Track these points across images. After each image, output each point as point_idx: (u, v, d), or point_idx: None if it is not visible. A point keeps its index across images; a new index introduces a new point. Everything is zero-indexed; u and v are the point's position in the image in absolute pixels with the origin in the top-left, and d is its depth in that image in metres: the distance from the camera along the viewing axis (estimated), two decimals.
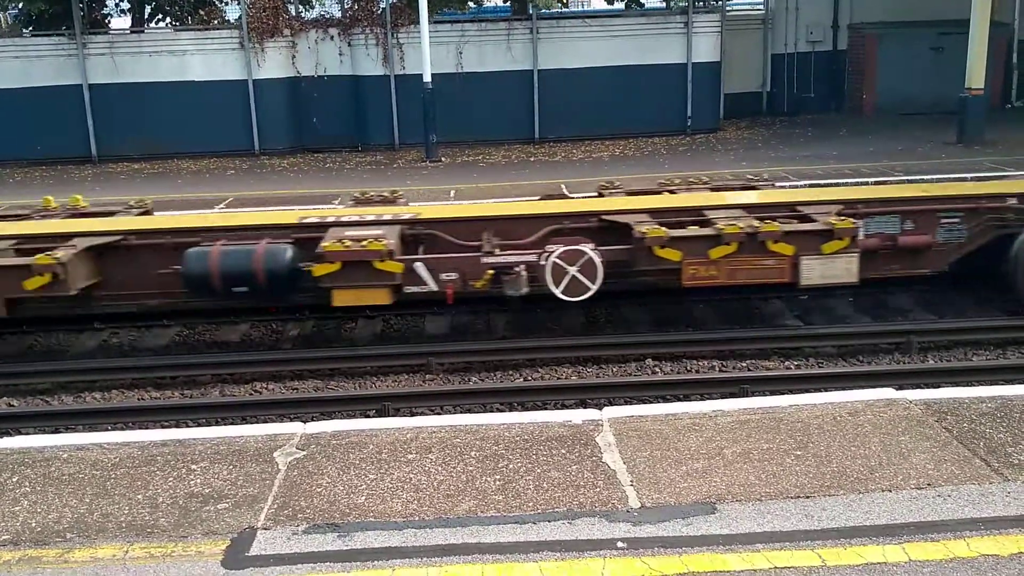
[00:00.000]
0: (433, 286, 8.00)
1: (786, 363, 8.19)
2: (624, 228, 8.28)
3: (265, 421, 6.99)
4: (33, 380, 8.25)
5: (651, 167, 15.26)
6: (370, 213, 8.84)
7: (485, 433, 5.47)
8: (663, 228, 7.96)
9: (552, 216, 8.63)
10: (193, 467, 5.16)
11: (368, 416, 7.29)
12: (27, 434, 6.52)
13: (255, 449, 5.36)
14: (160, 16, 21.33)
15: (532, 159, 17.09)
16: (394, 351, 8.54)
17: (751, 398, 6.26)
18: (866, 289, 9.31)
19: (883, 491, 4.65)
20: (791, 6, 21.20)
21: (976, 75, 15.77)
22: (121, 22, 21.57)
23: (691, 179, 10.03)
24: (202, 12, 20.69)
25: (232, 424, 6.74)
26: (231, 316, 9.52)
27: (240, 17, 18.26)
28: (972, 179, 12.43)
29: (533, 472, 4.97)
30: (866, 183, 11.81)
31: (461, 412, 7.21)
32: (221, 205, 12.95)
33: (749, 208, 8.53)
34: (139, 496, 4.85)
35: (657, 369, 8.16)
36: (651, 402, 7.27)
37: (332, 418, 7.06)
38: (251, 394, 8.00)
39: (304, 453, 5.30)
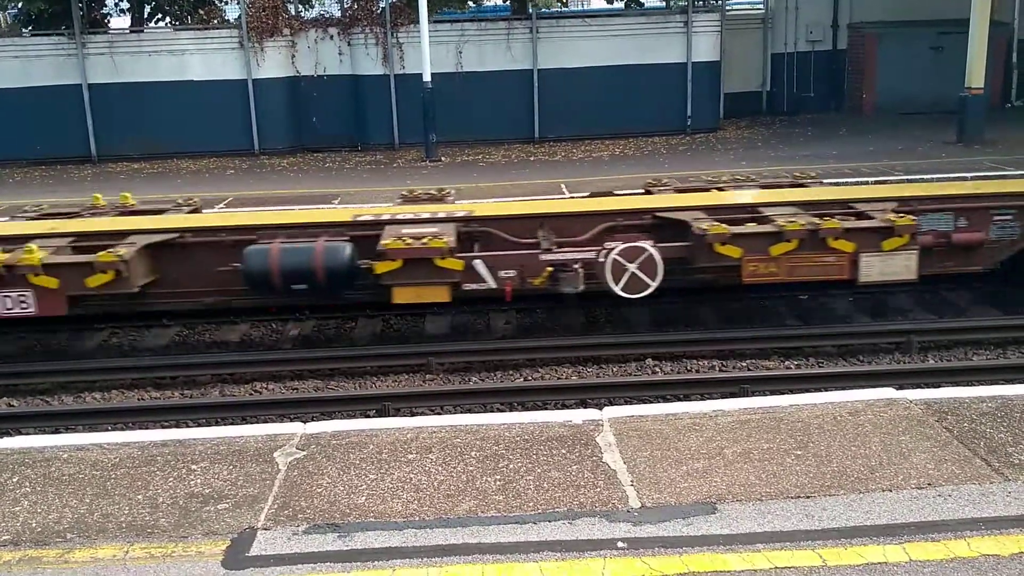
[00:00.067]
0: (492, 283, 8.01)
1: (786, 363, 8.20)
2: (680, 225, 8.30)
3: (265, 421, 7.00)
4: (33, 380, 8.26)
5: (651, 167, 15.25)
6: (423, 211, 8.84)
7: (485, 433, 5.46)
8: (724, 225, 7.95)
9: (606, 213, 8.65)
10: (193, 467, 5.16)
11: (368, 416, 7.30)
12: (27, 434, 6.52)
13: (255, 449, 5.36)
14: (160, 16, 21.32)
15: (532, 159, 17.08)
16: (394, 351, 8.54)
17: (751, 398, 6.26)
18: (866, 289, 9.33)
19: (883, 491, 4.65)
20: (791, 5, 21.19)
21: (976, 74, 15.77)
22: (121, 22, 21.58)
23: (739, 176, 10.05)
24: (202, 12, 20.70)
25: (232, 424, 6.75)
26: (231, 316, 9.51)
27: (240, 17, 18.25)
28: (972, 178, 12.42)
29: (533, 472, 4.97)
30: (866, 183, 11.80)
31: (461, 412, 7.21)
32: (220, 205, 12.93)
33: (803, 205, 8.54)
34: (139, 496, 4.85)
35: (657, 369, 8.16)
36: (651, 402, 7.27)
37: (332, 418, 7.06)
38: (251, 394, 8.00)
39: (304, 453, 5.30)
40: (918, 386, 7.07)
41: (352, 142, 18.71)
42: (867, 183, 11.75)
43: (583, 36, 18.68)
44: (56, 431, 7.03)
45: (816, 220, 7.99)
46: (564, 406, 7.34)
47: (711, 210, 8.50)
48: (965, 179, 12.44)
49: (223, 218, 9.46)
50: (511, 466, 5.05)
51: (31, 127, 17.93)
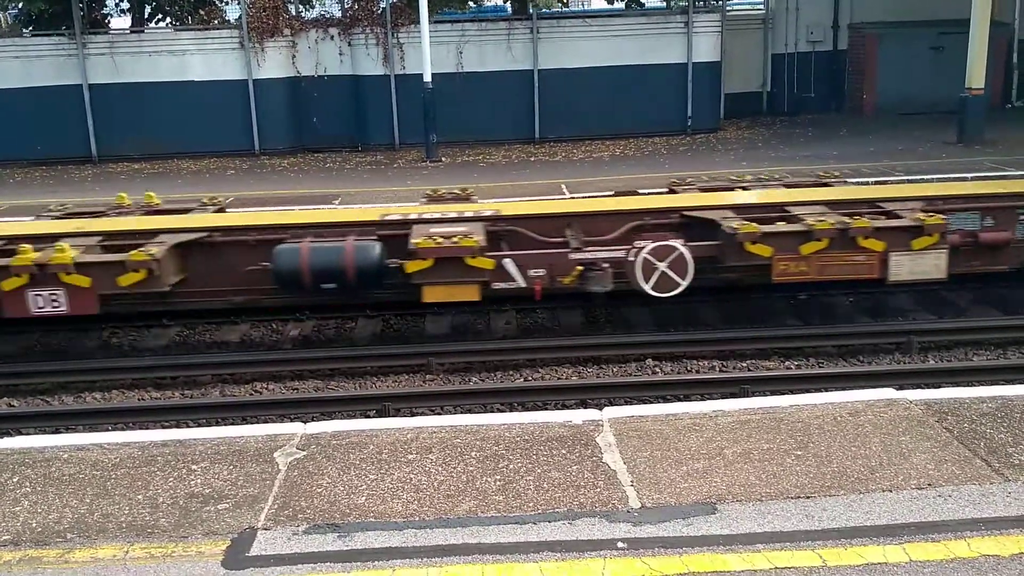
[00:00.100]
0: (521, 282, 8.03)
1: (786, 363, 8.19)
2: (708, 224, 8.31)
3: (265, 421, 7.00)
4: (33, 380, 8.26)
5: (651, 167, 15.26)
6: (449, 210, 8.86)
7: (485, 433, 5.46)
8: (754, 224, 7.96)
9: (634, 212, 8.66)
10: (193, 467, 5.16)
11: (368, 416, 7.30)
12: (28, 434, 6.52)
13: (255, 449, 5.36)
14: (160, 16, 21.32)
15: (532, 159, 17.08)
16: (394, 351, 8.54)
17: (751, 398, 6.26)
18: (866, 289, 9.33)
19: (884, 491, 4.65)
20: (791, 6, 21.19)
21: (976, 75, 15.77)
22: (121, 22, 21.57)
23: (762, 175, 10.06)
24: (202, 12, 20.68)
25: (232, 424, 6.75)
26: (231, 316, 9.51)
27: (240, 17, 18.26)
28: (972, 179, 12.42)
29: (533, 472, 4.97)
30: (866, 183, 11.80)
31: (461, 412, 7.21)
32: None
33: (830, 204, 8.54)
34: (139, 496, 4.85)
35: (657, 369, 8.16)
36: (651, 402, 7.26)
37: (332, 418, 7.06)
38: (251, 394, 8.00)
39: (304, 453, 5.30)
40: (918, 386, 7.07)
41: (352, 142, 18.71)
42: (867, 183, 11.74)
43: (583, 36, 18.68)
44: (56, 431, 7.03)
45: (846, 219, 8.00)
46: (564, 406, 7.34)
47: (739, 209, 8.51)
48: (965, 179, 12.45)
49: (252, 217, 9.50)
50: (511, 466, 5.05)
51: (32, 127, 17.94)
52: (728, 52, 19.40)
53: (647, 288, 8.04)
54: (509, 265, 7.97)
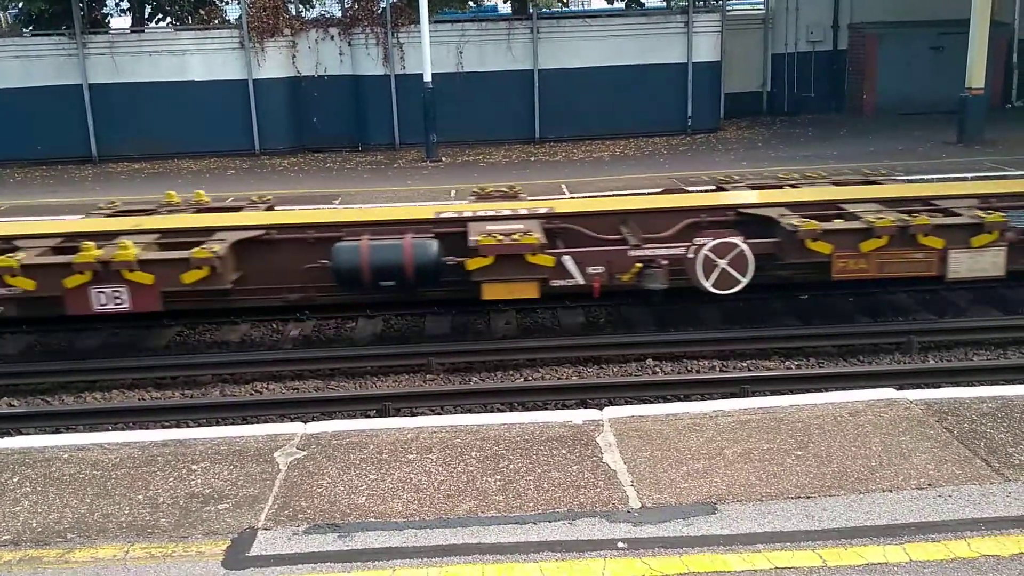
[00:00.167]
0: (580, 280, 8.03)
1: (786, 363, 8.19)
2: (764, 221, 8.32)
3: (266, 421, 6.99)
4: (34, 380, 8.25)
5: (652, 167, 15.27)
6: (503, 208, 8.86)
7: (486, 433, 5.46)
8: (815, 221, 7.96)
9: (690, 209, 8.67)
10: (194, 467, 5.16)
11: (368, 416, 7.29)
12: (28, 434, 6.52)
13: (255, 449, 5.36)
14: (160, 16, 21.32)
15: (533, 159, 17.09)
16: (394, 351, 8.54)
17: (752, 398, 6.26)
18: (866, 289, 9.33)
19: (884, 491, 4.65)
20: (791, 6, 21.20)
21: (976, 75, 15.78)
22: (121, 22, 21.59)
23: (808, 173, 10.07)
24: (202, 12, 20.69)
25: (232, 424, 6.74)
26: (231, 316, 9.51)
27: (240, 17, 18.26)
28: (972, 178, 12.42)
29: (533, 472, 4.97)
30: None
31: (462, 412, 7.21)
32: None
33: (884, 202, 8.55)
34: (140, 496, 4.86)
35: (657, 369, 8.15)
36: (651, 402, 7.26)
37: (332, 418, 7.06)
38: (252, 394, 7.99)
39: (304, 453, 5.30)
40: (918, 386, 7.06)
41: (353, 142, 18.72)
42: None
43: (584, 36, 18.69)
44: (56, 431, 7.03)
45: (905, 216, 8.01)
46: (564, 406, 7.34)
47: (795, 206, 8.52)
48: (965, 179, 12.45)
49: (309, 215, 9.54)
50: (511, 466, 5.05)
51: (32, 127, 17.95)
52: (728, 52, 19.40)
53: (707, 285, 8.04)
54: (568, 262, 7.97)
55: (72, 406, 7.81)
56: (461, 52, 18.39)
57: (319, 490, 4.86)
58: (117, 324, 9.54)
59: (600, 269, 8.00)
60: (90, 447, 5.46)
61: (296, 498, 4.78)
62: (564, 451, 5.20)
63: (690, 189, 9.95)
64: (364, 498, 4.76)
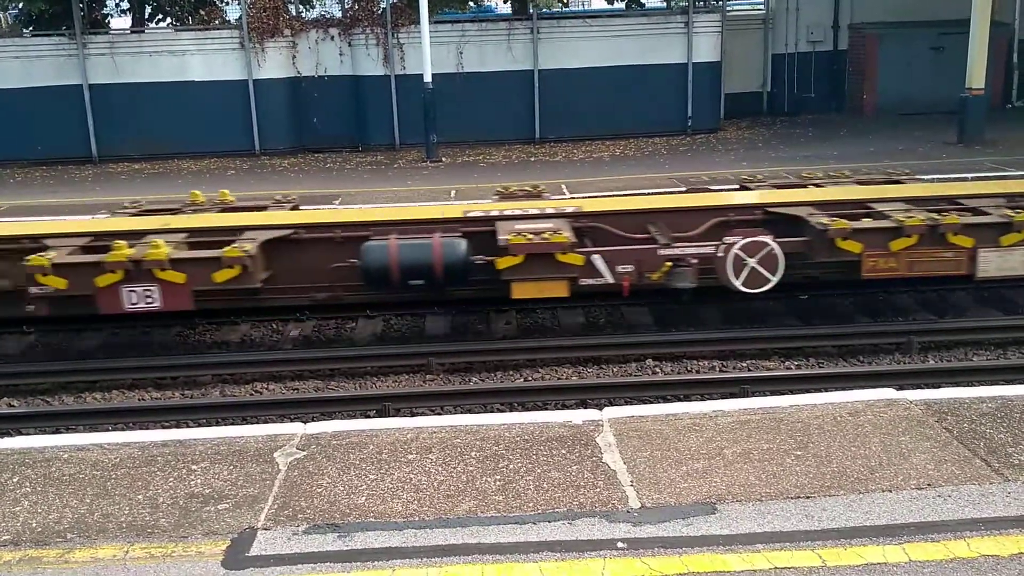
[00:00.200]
0: (609, 278, 8.04)
1: (786, 363, 8.19)
2: (792, 220, 8.32)
3: (265, 421, 7.00)
4: (34, 380, 8.26)
5: (652, 167, 15.27)
6: (529, 207, 8.85)
7: (485, 433, 5.47)
8: (844, 220, 7.96)
9: (718, 208, 8.68)
10: (193, 467, 5.16)
11: (368, 416, 7.30)
12: (28, 434, 6.52)
13: (255, 449, 5.36)
14: (160, 16, 21.33)
15: (533, 159, 17.09)
16: (394, 351, 8.54)
17: (751, 398, 6.26)
18: (866, 289, 9.33)
19: (883, 491, 4.65)
20: (791, 6, 21.18)
21: (976, 75, 15.77)
22: (121, 22, 21.58)
23: (832, 172, 10.07)
24: (202, 12, 20.69)
25: (232, 424, 6.75)
26: (231, 316, 9.51)
27: (240, 17, 18.26)
28: (973, 178, 12.42)
29: (533, 472, 4.97)
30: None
31: (461, 412, 7.22)
32: None
33: (911, 201, 8.55)
34: (139, 496, 4.86)
35: (657, 369, 8.15)
36: (651, 402, 7.27)
37: (332, 418, 7.06)
38: (251, 394, 8.00)
39: (304, 453, 5.30)
40: (918, 386, 7.07)
41: (353, 143, 18.72)
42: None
43: (584, 37, 18.69)
44: (56, 431, 7.03)
45: (935, 215, 8.02)
46: (564, 406, 7.34)
47: (822, 205, 8.52)
48: (966, 179, 12.44)
49: (337, 214, 9.54)
50: (511, 466, 5.05)
51: (32, 127, 17.94)
52: (728, 52, 19.40)
53: (737, 284, 8.05)
54: (598, 261, 7.98)
55: (72, 406, 7.82)
56: (461, 52, 18.39)
57: (319, 490, 4.86)
58: (117, 325, 9.54)
59: (629, 268, 8.01)
60: (90, 447, 5.46)
61: (296, 498, 4.78)
62: (564, 451, 5.20)
63: (713, 188, 9.93)
64: (364, 498, 4.76)
